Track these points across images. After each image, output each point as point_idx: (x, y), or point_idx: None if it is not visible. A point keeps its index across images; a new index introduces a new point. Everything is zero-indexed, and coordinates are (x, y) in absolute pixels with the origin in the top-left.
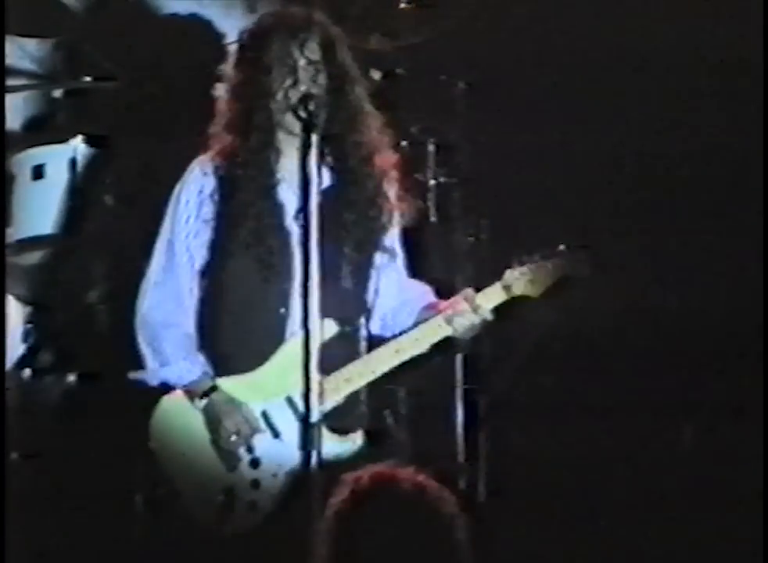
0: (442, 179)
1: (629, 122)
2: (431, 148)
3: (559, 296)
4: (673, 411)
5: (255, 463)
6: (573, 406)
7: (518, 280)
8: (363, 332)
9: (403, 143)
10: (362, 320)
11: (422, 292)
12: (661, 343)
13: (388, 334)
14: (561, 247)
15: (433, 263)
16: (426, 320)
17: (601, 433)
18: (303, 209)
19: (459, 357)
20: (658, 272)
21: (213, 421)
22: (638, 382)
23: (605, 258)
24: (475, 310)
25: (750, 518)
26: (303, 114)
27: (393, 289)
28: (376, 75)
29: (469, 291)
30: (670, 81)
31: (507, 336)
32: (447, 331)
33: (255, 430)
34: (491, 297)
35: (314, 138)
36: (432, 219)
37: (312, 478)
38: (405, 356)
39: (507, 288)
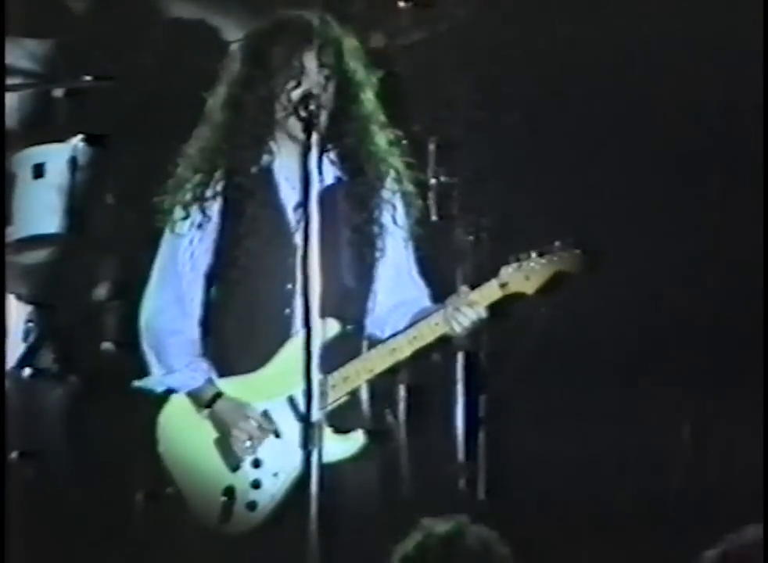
0: (442, 178)
1: (630, 122)
2: (431, 147)
3: (554, 293)
4: (673, 411)
5: (256, 463)
6: (573, 406)
7: (514, 277)
8: (365, 331)
9: (404, 142)
10: (364, 319)
11: (418, 296)
12: (659, 340)
13: (379, 333)
14: (557, 243)
15: (433, 262)
16: (423, 319)
17: (601, 433)
18: (304, 209)
19: (460, 356)
20: (655, 269)
21: (222, 428)
22: (636, 382)
23: (601, 255)
24: (471, 306)
25: (750, 518)
26: (303, 114)
27: (391, 288)
28: (377, 74)
29: (465, 288)
30: (671, 80)
31: (507, 335)
32: (444, 330)
33: (266, 433)
34: (487, 294)
35: (315, 137)
36: (433, 218)
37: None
38: (402, 355)
39: (503, 285)
